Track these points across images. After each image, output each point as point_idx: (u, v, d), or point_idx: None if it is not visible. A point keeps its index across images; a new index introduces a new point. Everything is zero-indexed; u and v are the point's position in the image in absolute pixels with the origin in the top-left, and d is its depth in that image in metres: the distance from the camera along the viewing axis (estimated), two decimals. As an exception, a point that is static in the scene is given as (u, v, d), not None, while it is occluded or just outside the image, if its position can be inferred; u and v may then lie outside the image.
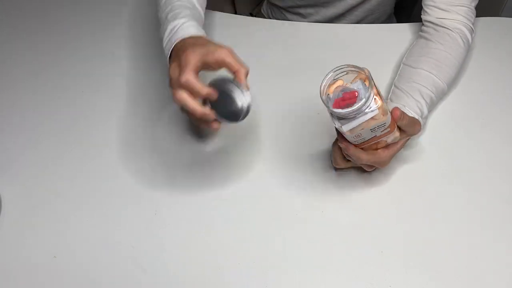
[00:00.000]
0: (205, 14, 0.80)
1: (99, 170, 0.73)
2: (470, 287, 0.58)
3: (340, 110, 0.51)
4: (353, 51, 0.87)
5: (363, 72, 0.54)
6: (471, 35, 0.77)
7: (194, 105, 0.54)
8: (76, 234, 0.65)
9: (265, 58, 0.87)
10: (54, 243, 0.65)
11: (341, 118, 0.54)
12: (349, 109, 0.51)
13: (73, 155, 0.75)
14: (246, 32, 0.94)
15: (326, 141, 0.74)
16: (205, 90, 0.53)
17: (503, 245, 0.62)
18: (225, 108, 0.57)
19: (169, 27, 0.63)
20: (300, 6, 1.00)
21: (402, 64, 0.76)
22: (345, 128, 0.54)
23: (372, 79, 0.52)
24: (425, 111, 0.68)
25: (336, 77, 0.54)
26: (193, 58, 0.54)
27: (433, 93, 0.70)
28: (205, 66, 0.56)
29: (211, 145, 0.75)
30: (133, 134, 0.77)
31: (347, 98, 0.53)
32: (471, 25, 0.76)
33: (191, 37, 0.60)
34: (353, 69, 0.54)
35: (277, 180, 0.70)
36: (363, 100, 0.51)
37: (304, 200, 0.67)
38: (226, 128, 0.77)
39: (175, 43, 0.60)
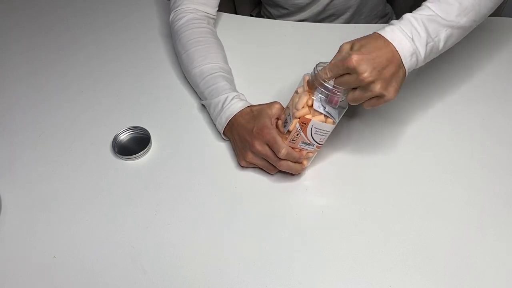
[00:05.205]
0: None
1: (99, 170, 0.73)
2: (469, 287, 0.58)
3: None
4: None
5: None
6: None
7: (296, 166, 0.67)
8: (76, 234, 0.65)
9: (265, 57, 0.88)
10: (54, 243, 0.65)
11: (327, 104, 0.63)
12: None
13: (73, 155, 0.75)
14: (246, 32, 0.94)
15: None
16: (300, 157, 0.66)
17: (503, 245, 0.62)
18: None
19: (213, 103, 0.74)
20: (289, 14, 1.01)
21: None
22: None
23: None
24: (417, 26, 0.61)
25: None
26: (273, 131, 0.66)
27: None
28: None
29: (211, 145, 0.75)
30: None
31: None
32: None
33: (244, 112, 0.71)
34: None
35: (277, 180, 0.70)
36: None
37: (304, 200, 0.67)
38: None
39: (228, 121, 0.72)
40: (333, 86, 0.61)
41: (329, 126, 0.64)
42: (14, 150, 0.76)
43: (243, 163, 0.70)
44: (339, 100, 0.62)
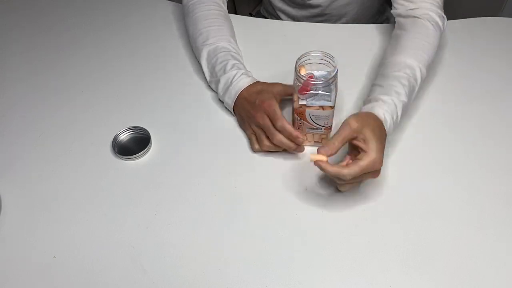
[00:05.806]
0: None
1: (99, 170, 0.73)
2: (469, 287, 0.58)
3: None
4: (352, 49, 0.87)
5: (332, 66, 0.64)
6: (442, 20, 0.78)
7: (290, 144, 0.68)
8: (76, 234, 0.65)
9: (265, 57, 0.87)
10: (54, 243, 0.65)
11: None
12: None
13: (73, 155, 0.75)
14: (246, 32, 0.94)
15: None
16: (295, 133, 0.66)
17: (503, 245, 0.62)
18: None
19: (223, 79, 0.76)
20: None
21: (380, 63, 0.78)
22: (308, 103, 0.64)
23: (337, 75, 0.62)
24: (402, 98, 0.68)
25: (308, 61, 0.65)
26: (274, 105, 0.68)
27: (409, 75, 0.70)
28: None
29: (211, 145, 0.75)
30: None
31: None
32: (440, 11, 0.78)
33: (250, 86, 0.73)
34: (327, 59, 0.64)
35: (277, 180, 0.70)
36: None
37: (304, 200, 0.67)
38: (227, 128, 0.77)
39: (237, 96, 0.73)
40: (312, 81, 0.61)
41: (327, 112, 0.65)
42: (14, 150, 0.76)
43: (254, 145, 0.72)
44: (323, 89, 0.63)
